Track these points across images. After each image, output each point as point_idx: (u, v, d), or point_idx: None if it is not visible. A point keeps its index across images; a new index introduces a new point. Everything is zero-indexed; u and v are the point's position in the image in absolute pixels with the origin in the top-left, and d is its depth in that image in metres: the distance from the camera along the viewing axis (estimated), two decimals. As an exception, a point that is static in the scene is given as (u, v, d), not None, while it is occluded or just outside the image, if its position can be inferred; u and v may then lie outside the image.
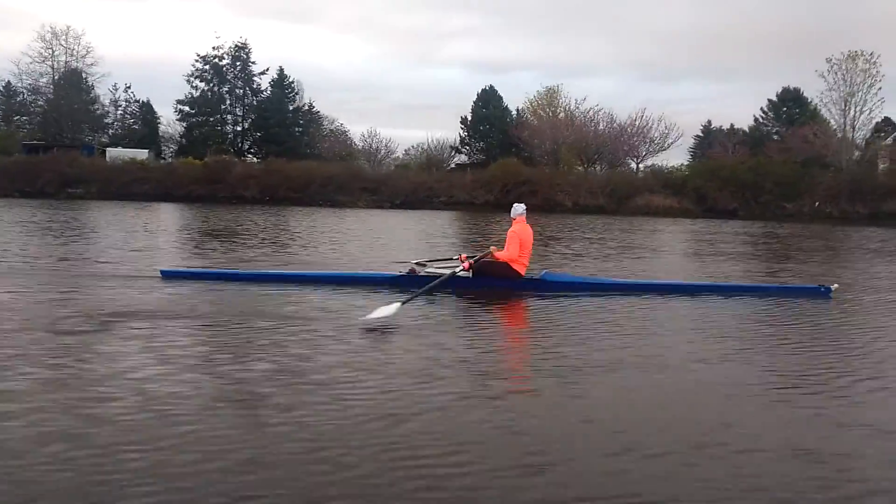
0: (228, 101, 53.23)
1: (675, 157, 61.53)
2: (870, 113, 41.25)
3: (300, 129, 54.83)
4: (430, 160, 48.43)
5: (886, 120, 46.48)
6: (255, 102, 53.91)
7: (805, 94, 50.12)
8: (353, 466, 3.10)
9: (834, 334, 6.62)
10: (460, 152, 48.78)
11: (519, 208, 8.15)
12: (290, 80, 54.73)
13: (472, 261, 7.71)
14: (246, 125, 53.72)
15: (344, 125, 56.01)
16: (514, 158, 43.90)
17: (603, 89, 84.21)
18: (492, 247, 8.22)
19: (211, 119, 52.02)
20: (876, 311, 7.96)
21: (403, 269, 8.18)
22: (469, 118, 48.03)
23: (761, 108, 55.53)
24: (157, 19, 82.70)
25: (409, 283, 7.64)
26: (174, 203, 35.42)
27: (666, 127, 47.45)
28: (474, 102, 47.89)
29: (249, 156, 52.69)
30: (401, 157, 51.91)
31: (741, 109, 79.36)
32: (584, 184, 40.70)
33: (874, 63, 39.97)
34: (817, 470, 3.24)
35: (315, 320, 6.38)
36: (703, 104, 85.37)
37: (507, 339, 6.57)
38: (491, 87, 47.92)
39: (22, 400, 3.88)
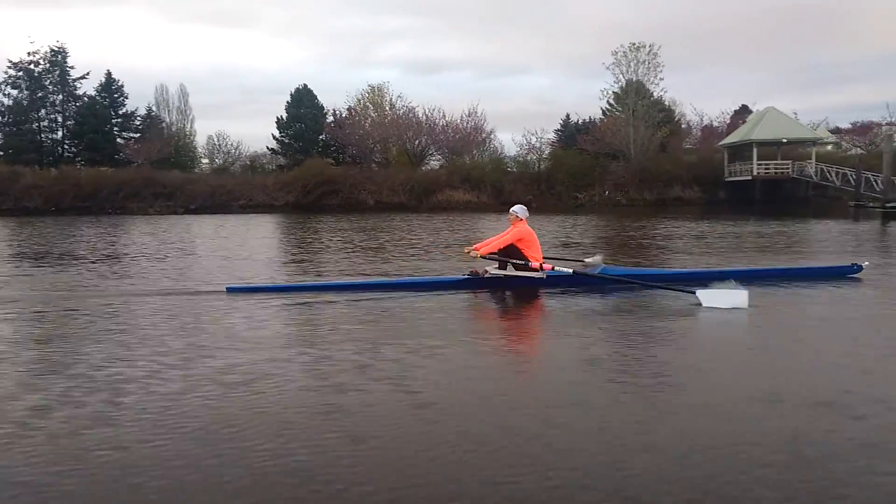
0: (44, 109, 51.11)
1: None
2: (652, 101, 43.32)
3: (134, 135, 53.25)
4: (252, 162, 48.03)
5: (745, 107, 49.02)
6: (76, 108, 51.98)
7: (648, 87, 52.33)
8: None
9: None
10: (276, 153, 48.41)
11: (524, 210, 8.13)
12: (119, 84, 53.17)
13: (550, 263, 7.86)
14: (63, 132, 51.69)
15: (189, 129, 55.12)
16: (327, 159, 44.05)
17: (537, 87, 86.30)
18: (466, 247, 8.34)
19: (23, 127, 49.82)
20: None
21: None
22: (284, 118, 47.69)
23: (608, 101, 57.64)
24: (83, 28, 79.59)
25: (477, 285, 7.72)
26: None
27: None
28: (288, 102, 47.62)
29: (78, 163, 50.87)
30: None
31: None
32: (387, 182, 41.20)
33: (655, 54, 42.12)
34: None
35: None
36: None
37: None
38: (305, 85, 47.77)
39: None
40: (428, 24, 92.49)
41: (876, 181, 29.21)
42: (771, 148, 39.17)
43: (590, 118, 52.23)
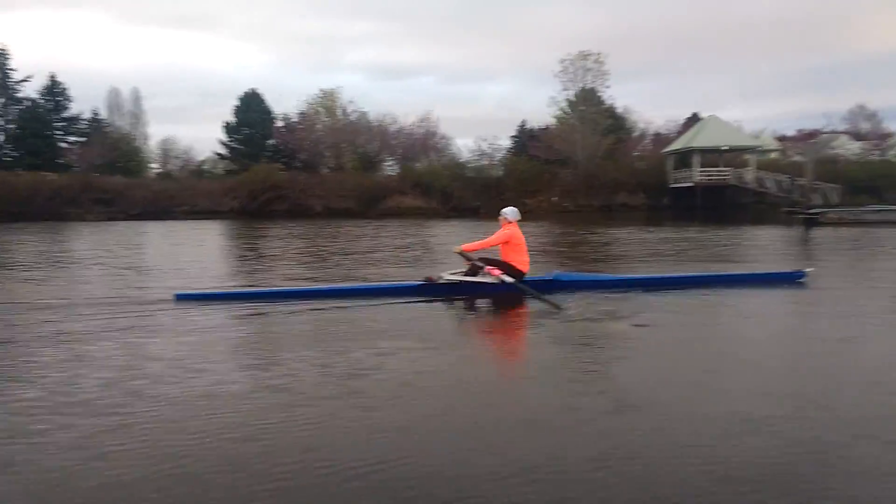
0: (-17, 112, 49.57)
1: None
2: (600, 109, 43.95)
3: (80, 139, 51.94)
4: (199, 167, 47.23)
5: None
6: (17, 112, 50.54)
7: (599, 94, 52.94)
8: None
9: None
10: (224, 158, 47.72)
11: (516, 212, 7.99)
12: (63, 87, 51.87)
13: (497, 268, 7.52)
14: (4, 137, 50.17)
15: (141, 133, 54.03)
16: (277, 164, 43.55)
17: (501, 93, 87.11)
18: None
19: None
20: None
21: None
22: (234, 122, 47.06)
23: (561, 109, 58.17)
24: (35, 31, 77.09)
25: (432, 291, 7.59)
26: None
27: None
28: (237, 106, 46.99)
29: (18, 169, 49.39)
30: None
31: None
32: (336, 187, 40.89)
33: (601, 62, 42.74)
34: None
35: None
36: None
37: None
38: (254, 90, 47.29)
39: None
40: (394, 29, 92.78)
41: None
42: (713, 155, 39.97)
43: (546, 125, 53.33)
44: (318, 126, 48.08)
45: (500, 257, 7.70)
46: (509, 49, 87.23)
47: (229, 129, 47.40)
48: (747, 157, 39.47)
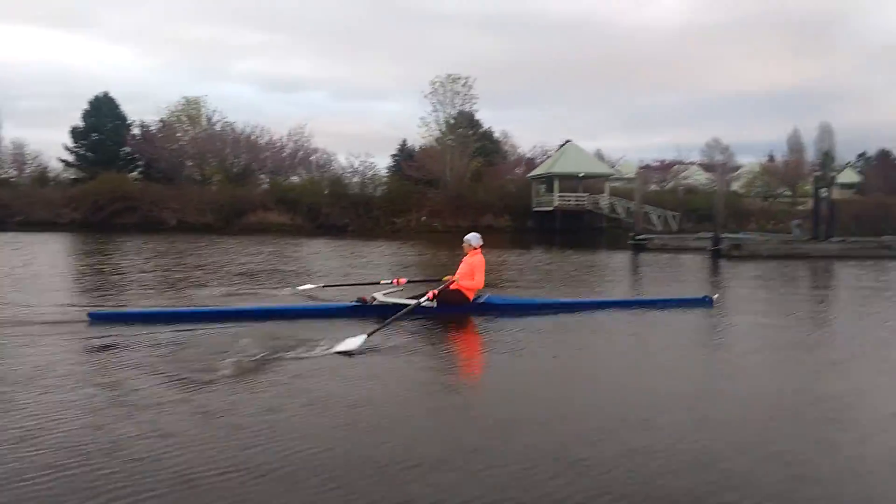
0: None
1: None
2: (469, 132, 44.92)
3: None
4: (42, 174, 43.31)
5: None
6: None
7: (477, 117, 53.76)
8: None
9: None
10: (71, 165, 44.13)
11: (479, 238, 8.20)
12: None
13: (436, 290, 7.67)
14: None
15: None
16: (132, 174, 40.75)
17: (392, 112, 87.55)
18: (447, 276, 8.30)
19: None
20: None
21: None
22: (81, 127, 43.64)
23: (440, 130, 58.63)
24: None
25: (365, 313, 7.51)
26: None
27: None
28: (85, 110, 43.65)
29: None
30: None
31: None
32: (194, 200, 38.80)
33: (470, 86, 43.77)
34: None
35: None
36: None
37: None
38: (106, 93, 44.10)
39: None
40: (285, 41, 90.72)
41: (650, 216, 32.04)
42: (573, 181, 41.84)
43: (422, 146, 53.70)
44: (178, 135, 45.57)
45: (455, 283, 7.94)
46: (399, 69, 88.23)
47: (76, 134, 43.82)
48: (604, 183, 41.67)
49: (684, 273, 15.72)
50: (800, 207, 42.87)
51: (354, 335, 5.99)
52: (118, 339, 6.29)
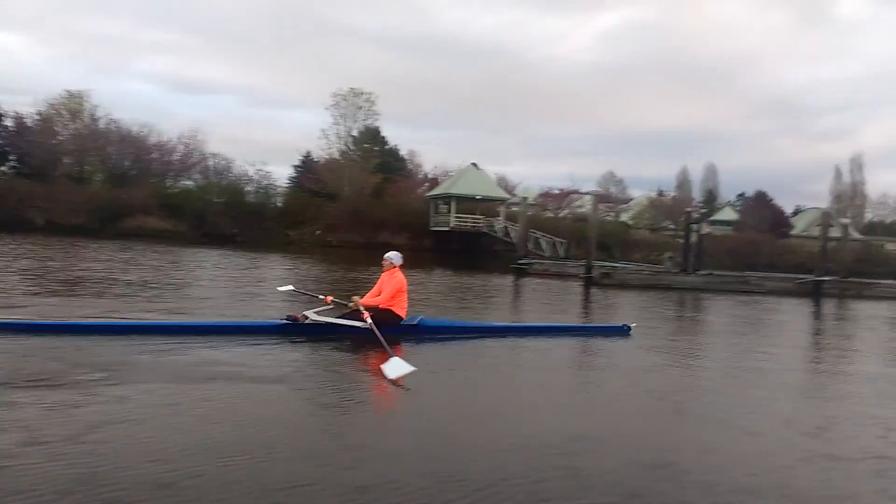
0: None
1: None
2: (371, 148, 44.62)
3: None
4: None
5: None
6: None
7: (383, 134, 53.23)
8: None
9: None
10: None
11: (400, 257, 8.02)
12: None
13: (367, 311, 7.24)
14: None
15: None
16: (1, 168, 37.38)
17: (305, 122, 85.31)
18: (354, 297, 7.59)
19: None
20: None
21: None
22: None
23: (346, 144, 57.71)
24: None
25: (295, 331, 7.13)
26: None
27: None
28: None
29: None
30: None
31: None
32: (66, 200, 36.00)
33: (372, 102, 43.52)
34: None
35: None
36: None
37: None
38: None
39: None
40: (194, 43, 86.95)
41: (540, 242, 32.74)
42: (470, 203, 42.21)
43: (324, 158, 52.56)
44: (57, 129, 42.39)
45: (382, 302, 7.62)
46: (314, 80, 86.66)
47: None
48: (500, 207, 42.32)
49: (554, 298, 15.92)
50: (680, 240, 45.24)
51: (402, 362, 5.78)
52: None
